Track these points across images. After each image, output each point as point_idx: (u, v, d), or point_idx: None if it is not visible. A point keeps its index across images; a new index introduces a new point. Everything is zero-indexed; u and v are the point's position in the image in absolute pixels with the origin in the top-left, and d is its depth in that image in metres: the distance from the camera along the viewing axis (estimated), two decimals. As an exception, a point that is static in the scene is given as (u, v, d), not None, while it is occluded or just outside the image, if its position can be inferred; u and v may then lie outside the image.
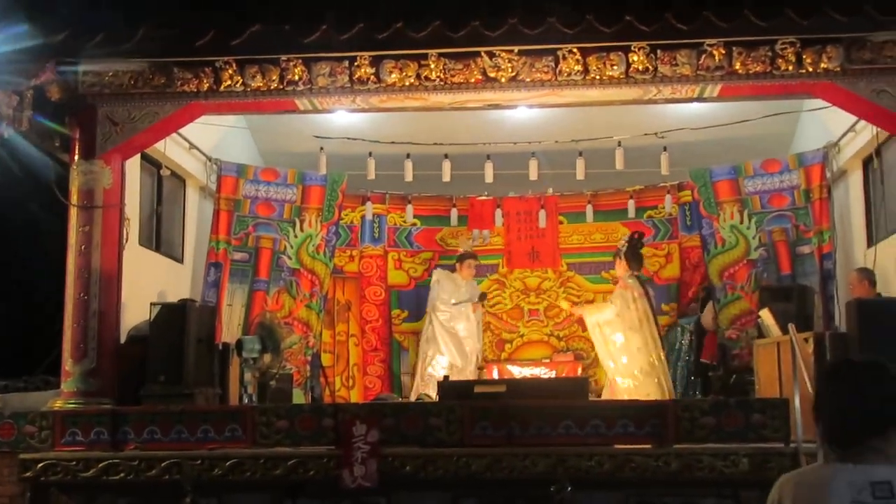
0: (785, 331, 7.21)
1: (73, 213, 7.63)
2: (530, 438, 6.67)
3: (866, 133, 9.04)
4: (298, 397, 9.81)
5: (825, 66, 7.31)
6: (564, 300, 10.40)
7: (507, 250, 11.60)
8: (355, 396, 11.07)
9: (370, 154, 10.24)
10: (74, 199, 7.64)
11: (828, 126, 9.99)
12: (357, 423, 6.58)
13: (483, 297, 10.06)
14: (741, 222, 10.28)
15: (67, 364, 7.49)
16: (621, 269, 9.72)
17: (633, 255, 9.73)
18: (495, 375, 10.50)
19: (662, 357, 9.42)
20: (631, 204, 11.26)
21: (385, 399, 10.11)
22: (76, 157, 7.72)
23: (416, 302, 11.44)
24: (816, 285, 9.71)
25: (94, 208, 7.58)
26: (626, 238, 9.94)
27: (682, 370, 10.63)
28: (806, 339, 7.04)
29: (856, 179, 9.70)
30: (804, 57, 7.30)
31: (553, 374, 10.37)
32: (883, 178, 8.93)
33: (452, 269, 10.33)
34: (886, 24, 7.09)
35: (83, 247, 7.56)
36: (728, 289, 10.23)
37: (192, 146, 10.00)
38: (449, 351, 10.22)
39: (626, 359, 9.34)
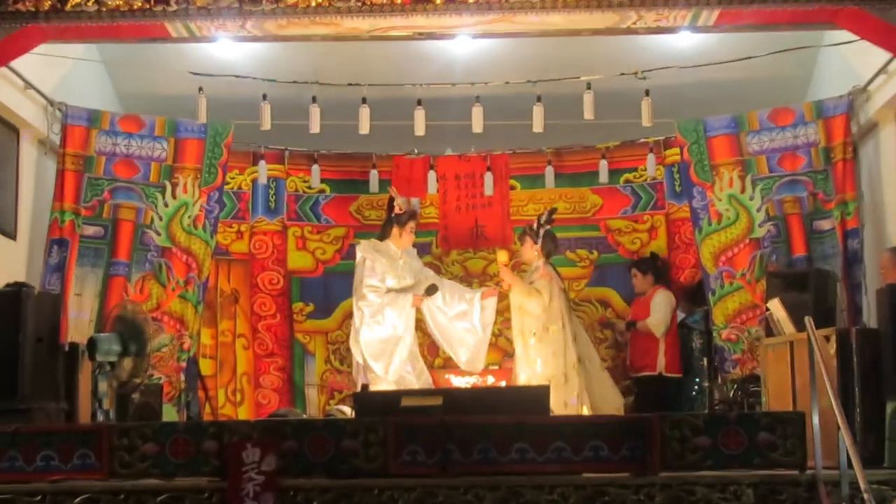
0: (800, 327, 7.25)
1: None
2: (474, 465, 6.60)
3: (903, 75, 9.16)
4: (170, 415, 9.70)
5: (851, -15, 7.36)
6: (503, 251, 10.16)
7: (443, 224, 11.46)
8: (244, 415, 10.90)
9: (264, 97, 10.11)
10: None
11: (854, 66, 10.01)
12: (248, 446, 6.51)
13: (433, 290, 9.84)
14: (742, 191, 10.36)
15: None
16: (531, 252, 9.89)
17: (551, 236, 9.94)
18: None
19: (595, 363, 9.76)
20: (603, 165, 11.18)
21: (284, 415, 9.71)
22: None
23: (324, 292, 11.30)
24: (839, 270, 9.74)
25: None
26: (542, 216, 10.06)
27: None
28: (827, 337, 7.06)
29: (889, 134, 9.73)
30: (825, -27, 7.30)
31: (503, 385, 10.20)
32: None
33: (381, 237, 10.02)
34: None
35: None
36: (725, 277, 10.30)
37: (29, 85, 9.83)
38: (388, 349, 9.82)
39: (541, 364, 9.60)
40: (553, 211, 10.23)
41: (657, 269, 10.84)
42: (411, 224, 9.97)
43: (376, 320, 9.66)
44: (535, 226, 10.05)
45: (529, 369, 9.74)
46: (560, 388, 9.44)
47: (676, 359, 10.53)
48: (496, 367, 10.81)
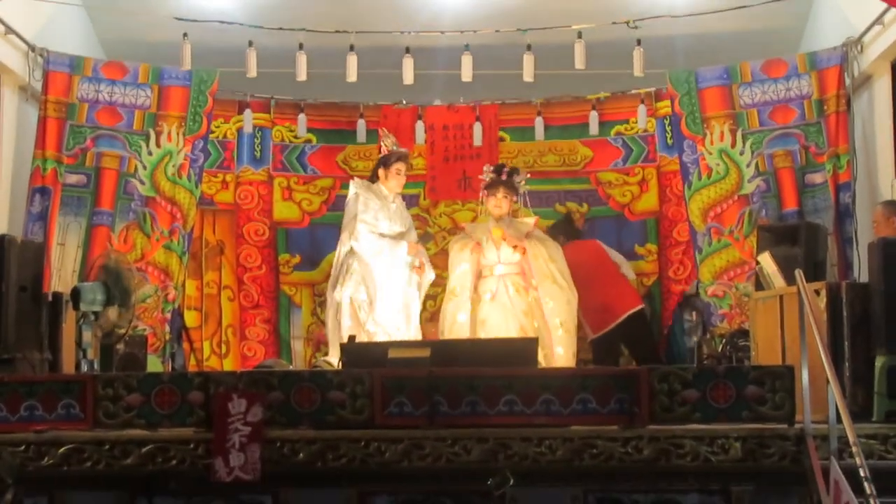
0: (790, 280, 7.27)
1: None
2: (461, 418, 6.60)
3: (898, 26, 9.14)
4: (154, 366, 9.73)
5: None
6: (497, 227, 9.59)
7: (431, 175, 11.50)
8: (230, 367, 10.86)
9: (250, 44, 10.18)
10: None
11: (848, 17, 10.06)
12: (234, 397, 6.49)
13: (428, 237, 9.75)
14: (733, 145, 10.45)
15: None
16: (501, 205, 9.61)
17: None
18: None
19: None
20: (594, 117, 11.22)
21: (270, 367, 9.54)
22: None
23: (310, 244, 11.28)
24: (830, 224, 9.80)
25: None
26: (505, 169, 9.83)
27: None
28: (817, 291, 7.08)
29: (882, 87, 9.74)
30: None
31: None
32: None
33: (371, 179, 9.89)
34: None
35: None
36: (713, 234, 10.38)
37: (10, 30, 9.80)
38: (377, 296, 9.58)
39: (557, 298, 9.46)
40: (516, 170, 9.88)
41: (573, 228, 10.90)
42: (398, 165, 9.71)
43: (377, 262, 9.51)
44: (512, 176, 9.69)
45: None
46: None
47: None
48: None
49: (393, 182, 9.76)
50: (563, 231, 10.62)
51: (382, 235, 9.59)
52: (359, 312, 9.50)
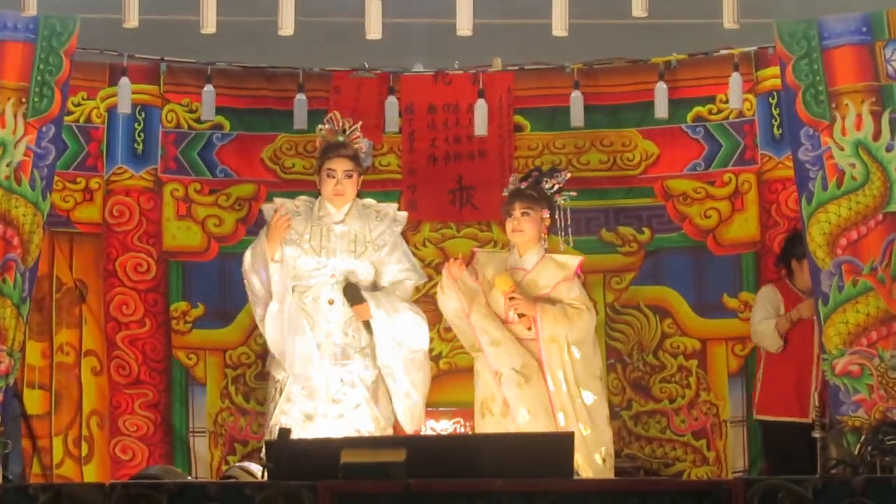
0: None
1: None
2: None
3: None
4: None
5: None
6: (503, 276, 8.97)
7: (409, 183, 10.23)
8: (94, 477, 9.83)
9: (129, -24, 9.13)
10: None
11: None
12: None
13: (351, 292, 8.96)
14: (876, 137, 9.16)
15: None
16: (534, 227, 9.02)
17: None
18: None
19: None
20: (661, 91, 9.84)
21: (155, 476, 8.69)
22: None
23: (220, 286, 10.17)
24: None
25: None
26: (542, 172, 9.20)
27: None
28: None
29: None
30: None
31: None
32: None
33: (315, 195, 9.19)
34: None
35: None
36: (845, 273, 9.08)
37: None
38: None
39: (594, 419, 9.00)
40: (557, 171, 9.25)
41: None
42: (331, 163, 9.03)
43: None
44: (541, 182, 9.01)
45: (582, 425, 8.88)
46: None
47: None
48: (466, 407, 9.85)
49: (328, 189, 9.07)
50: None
51: (297, 278, 9.08)
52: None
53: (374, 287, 9.13)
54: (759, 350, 9.72)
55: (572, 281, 8.88)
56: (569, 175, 9.17)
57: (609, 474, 8.76)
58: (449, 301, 8.96)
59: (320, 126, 9.25)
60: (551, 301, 8.81)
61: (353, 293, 8.94)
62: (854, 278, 9.00)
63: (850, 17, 9.18)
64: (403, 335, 9.15)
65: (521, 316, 8.72)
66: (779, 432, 9.60)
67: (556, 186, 8.96)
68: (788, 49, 9.18)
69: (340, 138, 9.12)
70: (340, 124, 9.10)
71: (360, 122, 9.49)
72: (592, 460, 8.71)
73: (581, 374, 8.85)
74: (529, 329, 8.74)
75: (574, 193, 9.16)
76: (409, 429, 9.17)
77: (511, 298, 8.72)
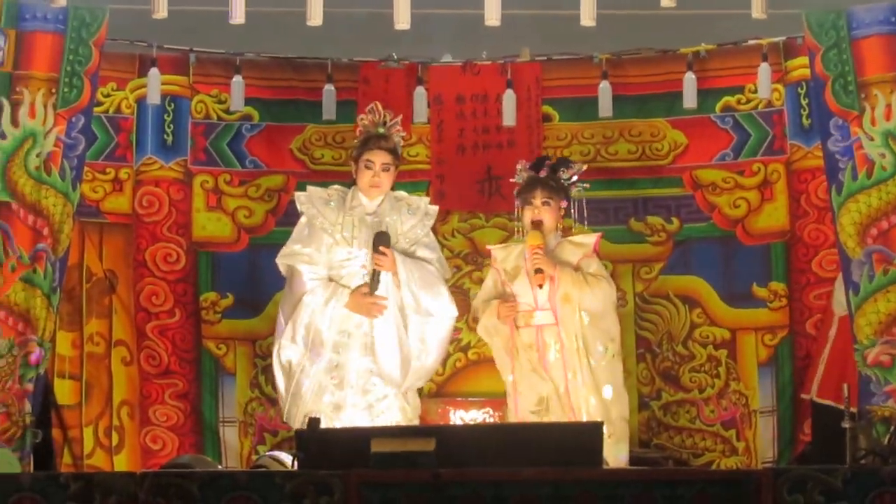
0: None
1: None
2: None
3: None
4: (8, 464, 8.64)
5: None
6: (536, 232, 9.07)
7: (437, 173, 10.24)
8: (125, 466, 9.84)
9: (158, -33, 9.02)
10: None
11: None
12: (128, 516, 6.22)
13: (383, 238, 8.92)
14: None
15: None
16: (554, 217, 9.18)
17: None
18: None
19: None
20: (690, 82, 9.82)
21: (188, 466, 8.78)
22: None
23: (250, 277, 10.14)
24: None
25: None
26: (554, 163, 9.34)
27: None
28: None
29: None
30: None
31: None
32: None
33: (350, 184, 9.23)
34: None
35: None
36: (876, 262, 9.11)
37: None
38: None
39: (612, 392, 9.14)
40: (570, 161, 9.42)
41: None
42: (370, 155, 9.03)
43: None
44: (558, 172, 9.17)
45: (585, 400, 8.98)
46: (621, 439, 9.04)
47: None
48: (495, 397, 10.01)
49: (364, 180, 9.08)
50: None
51: (330, 267, 9.11)
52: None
53: None
54: (825, 331, 9.75)
55: (591, 257, 9.03)
56: (585, 167, 9.29)
57: (614, 446, 8.87)
58: (488, 336, 9.22)
59: (361, 116, 9.29)
60: None
61: (383, 239, 9.02)
62: (885, 267, 9.01)
63: (878, 7, 9.15)
64: (423, 296, 9.26)
65: (537, 272, 8.84)
66: (833, 417, 9.45)
67: (574, 177, 9.10)
68: (817, 39, 9.20)
69: (381, 130, 9.17)
70: (381, 116, 9.13)
71: (401, 116, 9.55)
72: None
73: (590, 340, 9.03)
74: (541, 286, 8.87)
75: (588, 185, 9.30)
76: (400, 381, 9.23)
77: (535, 253, 8.85)
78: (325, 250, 9.05)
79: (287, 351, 9.14)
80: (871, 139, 9.04)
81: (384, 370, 9.10)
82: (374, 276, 8.91)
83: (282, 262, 9.11)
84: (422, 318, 9.07)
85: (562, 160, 9.28)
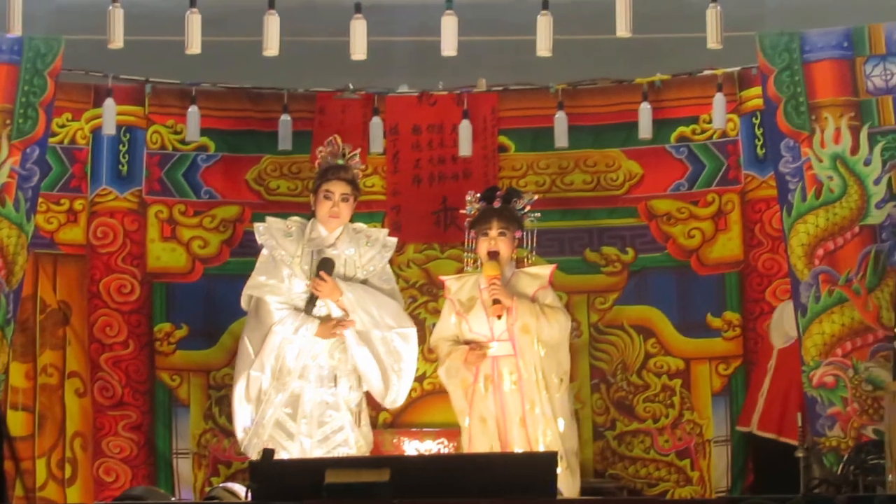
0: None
1: None
2: None
3: None
4: None
5: None
6: (492, 262, 9.00)
7: (393, 204, 10.33)
8: (76, 498, 9.86)
9: (115, -1, 9.09)
10: None
11: None
12: (84, 547, 5.28)
13: (327, 265, 8.91)
14: (854, 151, 9.33)
15: None
16: (509, 249, 9.18)
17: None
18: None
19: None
20: (645, 112, 9.95)
21: (139, 497, 8.95)
22: None
23: (204, 307, 10.26)
24: None
25: None
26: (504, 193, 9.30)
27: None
28: None
29: None
30: None
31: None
32: None
33: (309, 216, 9.29)
34: None
35: None
36: (822, 283, 9.24)
37: None
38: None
39: (564, 425, 9.10)
40: (519, 192, 9.40)
41: None
42: (329, 186, 9.06)
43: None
44: (512, 203, 9.15)
45: (543, 432, 8.95)
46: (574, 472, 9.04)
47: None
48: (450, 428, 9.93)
49: (323, 211, 9.13)
50: None
51: (297, 309, 9.08)
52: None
53: None
54: (763, 364, 9.82)
55: (546, 289, 9.03)
56: (536, 196, 9.28)
57: (569, 478, 8.89)
58: (448, 377, 9.18)
59: (320, 148, 9.29)
60: None
61: (326, 266, 9.03)
62: (830, 288, 9.16)
63: (832, 32, 9.33)
64: (377, 311, 9.22)
65: (495, 303, 8.81)
66: (772, 451, 9.66)
67: (526, 208, 9.09)
68: (770, 62, 9.35)
69: (340, 161, 9.20)
70: (340, 148, 9.18)
71: (360, 148, 9.57)
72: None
73: (547, 371, 9.01)
74: (499, 317, 8.83)
75: (539, 215, 9.27)
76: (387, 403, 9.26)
77: (492, 284, 8.82)
78: (286, 281, 9.04)
79: (256, 381, 9.16)
80: (820, 161, 9.20)
81: (374, 388, 9.14)
82: (311, 300, 8.93)
83: (249, 293, 9.09)
84: (383, 332, 9.04)
85: (512, 190, 9.29)
